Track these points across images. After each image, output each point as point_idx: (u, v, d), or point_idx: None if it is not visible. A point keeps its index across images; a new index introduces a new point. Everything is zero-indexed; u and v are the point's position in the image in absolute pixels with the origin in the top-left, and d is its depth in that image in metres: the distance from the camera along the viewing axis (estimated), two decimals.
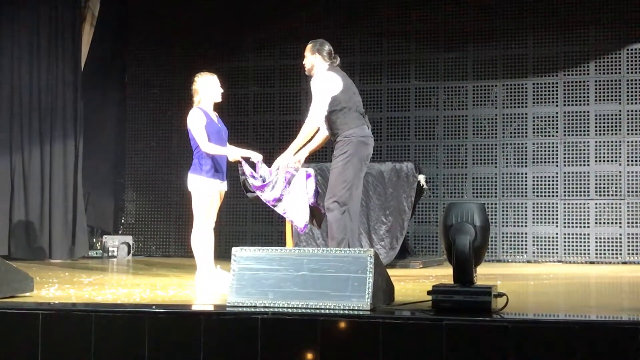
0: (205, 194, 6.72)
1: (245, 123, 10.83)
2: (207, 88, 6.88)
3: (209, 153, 6.70)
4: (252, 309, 4.72)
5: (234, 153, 6.74)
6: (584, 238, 9.76)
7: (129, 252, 10.59)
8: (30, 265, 8.46)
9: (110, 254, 10.44)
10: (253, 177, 6.70)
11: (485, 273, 7.23)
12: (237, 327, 4.60)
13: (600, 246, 9.69)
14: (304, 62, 6.82)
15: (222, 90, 6.98)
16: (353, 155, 6.47)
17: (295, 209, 6.71)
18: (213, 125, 6.81)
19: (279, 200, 6.74)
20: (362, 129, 6.57)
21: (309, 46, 6.78)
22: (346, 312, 4.61)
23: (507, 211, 10.04)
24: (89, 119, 10.33)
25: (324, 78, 6.60)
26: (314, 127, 6.59)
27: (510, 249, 10.00)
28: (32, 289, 5.71)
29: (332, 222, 6.42)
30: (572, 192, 9.84)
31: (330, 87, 6.55)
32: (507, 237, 10.01)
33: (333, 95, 6.55)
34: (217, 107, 7.04)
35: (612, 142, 9.75)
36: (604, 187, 9.75)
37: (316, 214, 6.80)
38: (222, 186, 6.87)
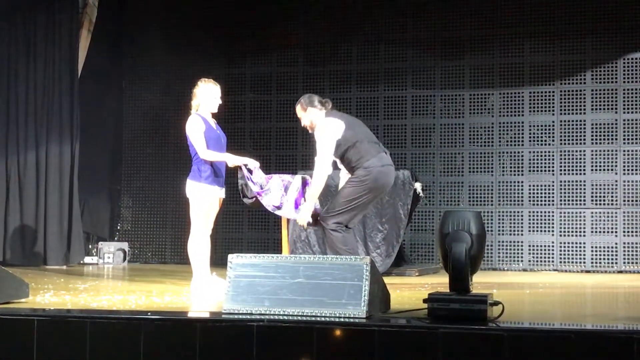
0: (204, 201, 6.72)
1: (241, 130, 10.82)
2: (207, 97, 6.87)
3: (208, 160, 6.70)
4: (248, 316, 4.72)
5: (232, 159, 6.74)
6: (580, 247, 9.76)
7: (124, 259, 10.57)
8: (26, 271, 8.45)
9: (105, 260, 10.42)
10: (252, 182, 6.72)
11: (481, 281, 7.23)
12: (232, 334, 4.60)
13: (596, 255, 9.70)
14: (302, 124, 6.83)
15: (220, 102, 6.97)
16: (369, 187, 6.50)
17: (295, 214, 6.76)
18: (212, 131, 6.81)
19: (278, 208, 6.77)
20: (379, 158, 6.58)
21: (298, 107, 6.83)
22: (342, 319, 4.61)
23: (503, 219, 10.04)
24: (85, 125, 10.31)
25: (324, 125, 6.62)
26: (323, 174, 6.55)
27: (506, 257, 10.00)
28: (27, 295, 5.69)
29: (335, 240, 6.45)
30: (568, 200, 9.84)
31: (332, 130, 6.57)
32: (503, 245, 10.01)
33: (338, 139, 6.56)
34: (214, 113, 7.04)
35: (608, 151, 9.77)
36: (600, 196, 9.76)
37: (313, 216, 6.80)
38: (220, 193, 6.87)
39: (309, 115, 6.76)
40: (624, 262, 9.60)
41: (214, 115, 7.02)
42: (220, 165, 6.80)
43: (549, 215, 9.89)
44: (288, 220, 7.28)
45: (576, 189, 9.83)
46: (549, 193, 9.91)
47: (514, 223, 10.00)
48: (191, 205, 6.76)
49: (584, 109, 9.86)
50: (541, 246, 9.88)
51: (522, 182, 10.02)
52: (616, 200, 9.71)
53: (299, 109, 6.82)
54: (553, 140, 9.94)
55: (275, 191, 6.75)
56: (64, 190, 9.96)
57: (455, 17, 10.28)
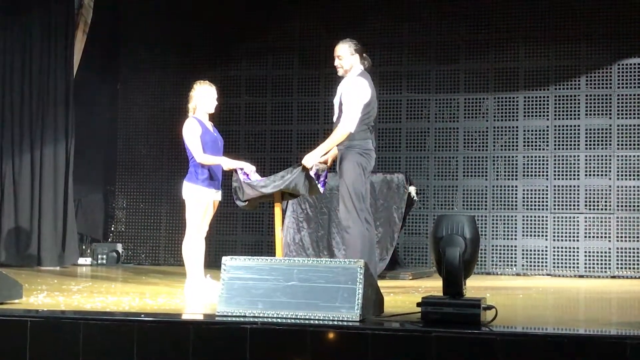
0: (200, 203, 6.73)
1: (236, 132, 10.82)
2: (203, 99, 6.88)
3: (204, 164, 6.71)
4: (242, 319, 4.72)
5: (228, 163, 6.74)
6: (573, 252, 9.78)
7: (118, 260, 10.56)
8: (20, 272, 8.44)
9: (99, 261, 10.41)
10: (247, 181, 6.67)
11: (474, 285, 7.24)
12: (226, 337, 4.60)
13: (590, 260, 9.71)
14: (337, 64, 6.73)
15: (216, 103, 6.99)
16: (358, 165, 6.49)
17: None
18: (209, 134, 6.82)
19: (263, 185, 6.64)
20: (366, 142, 6.59)
21: (346, 46, 6.71)
22: (335, 322, 4.61)
23: (497, 224, 10.05)
24: (80, 126, 10.30)
25: (360, 85, 6.58)
26: (347, 131, 6.51)
27: (500, 261, 10.01)
28: (20, 296, 5.69)
29: (356, 238, 6.41)
30: (562, 205, 9.86)
31: (364, 95, 6.56)
32: (496, 249, 10.03)
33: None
34: (210, 115, 7.04)
35: (602, 156, 9.79)
36: (594, 201, 9.77)
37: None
38: (216, 196, 6.88)
39: (352, 60, 6.70)
40: (617, 267, 9.62)
41: (211, 117, 7.03)
42: (216, 168, 6.82)
43: (542, 220, 9.91)
44: (282, 222, 7.26)
45: (570, 194, 9.85)
46: (542, 198, 9.92)
47: (508, 227, 10.01)
48: (187, 207, 6.77)
49: (578, 114, 9.88)
50: (535, 251, 9.89)
51: (516, 186, 10.03)
52: (610, 206, 9.73)
53: (346, 48, 6.71)
54: (547, 145, 9.95)
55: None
56: (58, 191, 9.95)
57: (450, 22, 10.30)
